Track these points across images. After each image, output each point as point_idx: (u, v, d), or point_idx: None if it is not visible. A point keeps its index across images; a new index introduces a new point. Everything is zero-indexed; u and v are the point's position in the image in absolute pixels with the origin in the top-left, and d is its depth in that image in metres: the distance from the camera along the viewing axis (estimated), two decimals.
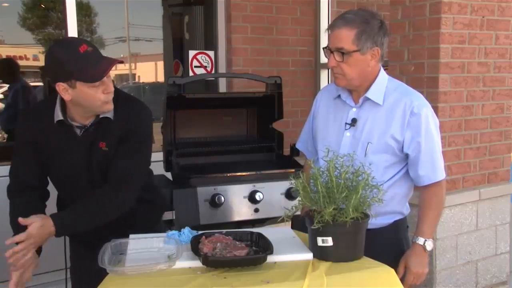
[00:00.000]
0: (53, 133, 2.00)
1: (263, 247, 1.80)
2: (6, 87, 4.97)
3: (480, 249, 3.69)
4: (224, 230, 1.94)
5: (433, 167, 2.06)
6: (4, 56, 4.85)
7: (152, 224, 2.25)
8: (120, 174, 2.00)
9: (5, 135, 4.89)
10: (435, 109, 3.38)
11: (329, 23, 2.14)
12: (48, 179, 2.13)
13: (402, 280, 1.95)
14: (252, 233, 1.91)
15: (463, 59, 3.46)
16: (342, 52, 1.99)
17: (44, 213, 1.99)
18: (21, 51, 5.16)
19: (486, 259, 3.73)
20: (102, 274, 1.68)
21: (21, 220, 1.85)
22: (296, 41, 4.76)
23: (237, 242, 1.85)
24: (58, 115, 1.97)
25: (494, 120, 3.69)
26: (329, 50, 2.03)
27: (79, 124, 2.00)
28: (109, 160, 2.00)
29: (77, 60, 1.81)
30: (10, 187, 2.07)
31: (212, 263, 1.68)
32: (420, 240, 2.05)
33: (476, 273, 3.68)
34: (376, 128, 2.05)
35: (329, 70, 2.20)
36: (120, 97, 2.02)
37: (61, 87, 1.87)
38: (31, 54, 5.26)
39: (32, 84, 5.11)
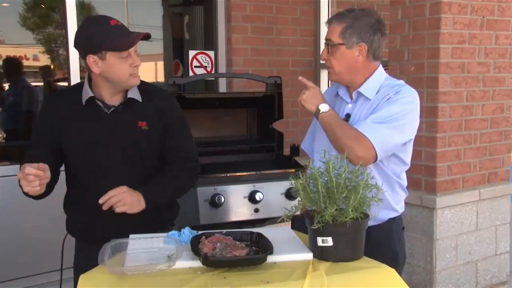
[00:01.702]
0: (81, 115, 2.05)
1: (263, 247, 1.80)
2: (6, 86, 4.97)
3: (480, 249, 3.69)
4: (224, 230, 1.94)
5: (371, 127, 1.97)
6: (4, 56, 4.85)
7: (170, 223, 2.27)
8: (184, 152, 2.19)
9: (5, 135, 4.89)
10: (435, 109, 3.39)
11: None
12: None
13: None
14: (252, 233, 1.91)
15: (463, 59, 3.46)
16: (330, 45, 2.09)
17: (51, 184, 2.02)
18: (21, 51, 5.15)
19: (486, 259, 3.73)
20: None
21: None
22: (296, 41, 4.76)
23: (237, 242, 1.85)
24: (88, 93, 2.04)
25: (494, 120, 3.69)
26: (325, 43, 2.13)
27: (108, 103, 2.06)
28: (149, 139, 2.09)
29: (108, 31, 1.93)
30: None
31: (212, 263, 1.68)
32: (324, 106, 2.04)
33: (476, 273, 3.68)
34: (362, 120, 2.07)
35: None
36: (142, 82, 2.13)
37: (91, 59, 1.96)
38: (31, 54, 5.25)
39: (32, 84, 5.11)
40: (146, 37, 2.02)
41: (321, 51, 2.20)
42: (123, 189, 1.97)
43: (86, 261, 1.86)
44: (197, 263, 1.70)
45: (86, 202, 2.07)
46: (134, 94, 2.09)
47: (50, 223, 3.86)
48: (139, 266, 1.67)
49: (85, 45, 1.97)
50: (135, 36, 1.97)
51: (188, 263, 1.72)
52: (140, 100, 2.09)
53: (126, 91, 2.08)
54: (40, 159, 1.93)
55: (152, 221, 2.08)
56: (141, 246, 1.84)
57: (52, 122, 2.07)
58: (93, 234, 2.09)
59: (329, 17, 2.15)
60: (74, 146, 2.07)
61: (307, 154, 2.42)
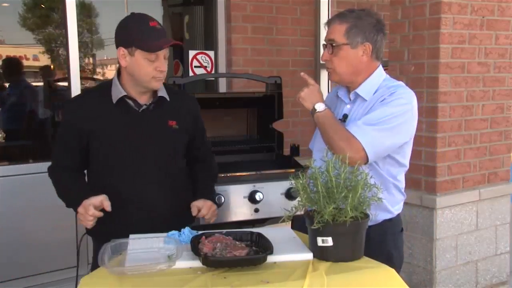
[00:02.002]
0: (112, 113, 2.08)
1: (263, 247, 1.80)
2: (7, 86, 4.96)
3: (480, 249, 3.69)
4: (224, 230, 1.94)
5: (361, 129, 1.97)
6: (4, 56, 4.85)
7: (190, 223, 2.27)
8: (209, 151, 2.41)
9: (5, 135, 4.89)
10: (435, 109, 3.39)
11: None
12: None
13: None
14: (252, 233, 1.91)
15: (463, 59, 3.46)
16: (333, 45, 2.07)
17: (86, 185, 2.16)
18: (21, 51, 5.15)
19: (486, 259, 3.73)
20: None
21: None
22: (296, 41, 4.76)
23: (237, 242, 1.85)
24: (120, 92, 2.07)
25: (494, 120, 3.69)
26: (324, 44, 2.12)
27: (138, 102, 2.11)
28: (179, 138, 2.19)
29: (143, 30, 1.99)
30: (52, 168, 2.17)
31: (212, 263, 1.68)
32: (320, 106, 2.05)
33: (476, 273, 3.68)
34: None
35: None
36: (167, 85, 2.21)
37: (121, 51, 2.02)
38: (31, 54, 5.25)
39: (32, 84, 5.11)
40: (177, 44, 2.09)
41: (321, 51, 2.20)
42: (209, 204, 2.19)
43: None
44: (197, 263, 1.70)
45: (113, 202, 2.06)
46: (163, 93, 2.14)
47: (50, 223, 3.87)
48: (139, 266, 1.67)
49: (120, 37, 2.04)
50: (165, 41, 2.01)
51: (188, 263, 1.72)
52: (168, 99, 2.15)
53: (155, 91, 2.12)
54: (71, 165, 2.10)
55: (174, 222, 2.08)
56: (140, 246, 1.83)
57: (81, 124, 2.08)
58: (115, 234, 2.02)
59: (329, 17, 2.14)
60: (105, 145, 2.09)
61: (312, 155, 2.40)
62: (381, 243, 2.11)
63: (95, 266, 2.18)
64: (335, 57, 2.08)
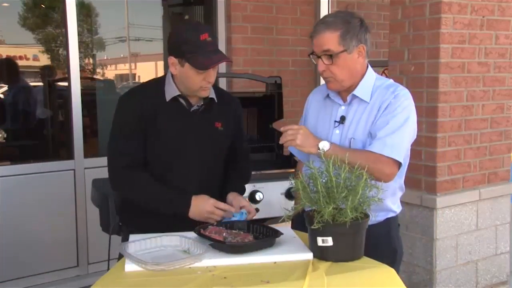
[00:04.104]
0: (166, 110, 2.12)
1: (262, 232, 1.93)
2: (5, 87, 4.97)
3: (480, 249, 3.68)
4: (214, 222, 2.04)
5: (384, 143, 2.00)
6: (4, 56, 4.85)
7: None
8: (247, 154, 2.43)
9: (5, 135, 4.89)
10: (435, 109, 3.39)
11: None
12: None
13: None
14: (242, 221, 2.04)
15: (463, 59, 3.46)
16: (330, 55, 2.03)
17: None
18: (21, 51, 5.16)
19: (486, 259, 3.73)
20: None
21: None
22: (296, 41, 4.76)
23: (235, 231, 1.95)
24: (175, 91, 2.13)
25: (494, 120, 3.69)
26: (315, 55, 2.08)
27: (190, 102, 2.16)
28: (224, 139, 2.24)
29: (194, 45, 2.01)
30: (121, 164, 2.11)
31: (232, 248, 1.78)
32: (324, 144, 1.97)
33: (476, 273, 3.68)
34: (361, 124, 2.08)
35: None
36: (214, 85, 2.21)
37: (172, 60, 2.08)
38: (31, 54, 5.25)
39: (32, 84, 5.11)
40: (227, 60, 2.19)
41: None
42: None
43: None
44: (197, 263, 1.70)
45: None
46: (213, 95, 2.19)
47: (50, 223, 3.87)
48: (177, 261, 1.68)
49: (172, 47, 2.08)
50: (216, 58, 2.04)
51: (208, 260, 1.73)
52: (216, 101, 2.20)
53: None
54: (136, 153, 2.10)
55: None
56: (147, 246, 1.85)
57: (140, 113, 2.10)
58: (151, 227, 2.05)
59: (314, 29, 2.10)
60: (159, 137, 2.13)
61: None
62: (388, 239, 2.16)
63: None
64: (333, 66, 2.05)
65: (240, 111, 2.38)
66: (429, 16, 3.38)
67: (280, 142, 2.03)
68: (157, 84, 2.19)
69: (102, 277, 1.66)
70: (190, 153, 2.16)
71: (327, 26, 2.04)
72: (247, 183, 2.40)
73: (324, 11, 4.90)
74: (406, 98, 2.07)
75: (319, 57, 2.06)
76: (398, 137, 2.01)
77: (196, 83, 2.07)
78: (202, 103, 2.18)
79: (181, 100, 2.15)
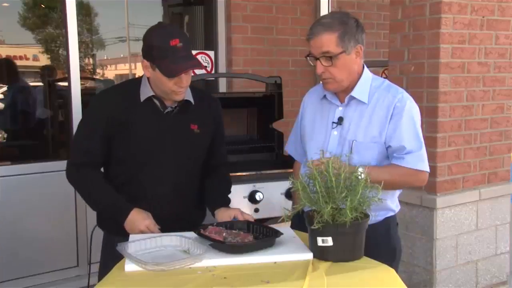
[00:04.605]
0: (139, 110, 2.11)
1: (262, 232, 1.94)
2: (5, 87, 4.97)
3: (480, 249, 3.68)
4: (214, 223, 2.03)
5: (416, 157, 2.08)
6: (4, 56, 4.85)
7: (200, 221, 2.34)
8: (225, 157, 2.38)
9: (5, 135, 4.89)
10: (435, 109, 3.39)
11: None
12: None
13: None
14: (240, 221, 2.06)
15: (463, 59, 3.46)
16: (329, 56, 2.02)
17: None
18: (21, 51, 5.15)
19: (486, 259, 3.73)
20: None
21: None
22: (296, 41, 4.76)
23: (234, 231, 1.96)
24: (149, 91, 2.11)
25: (494, 120, 3.69)
26: (313, 57, 2.07)
27: (165, 103, 2.14)
28: (201, 142, 2.22)
29: (163, 50, 1.99)
30: (78, 160, 2.14)
31: (232, 248, 1.78)
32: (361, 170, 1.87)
33: (476, 273, 3.68)
34: (362, 126, 2.09)
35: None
36: (193, 87, 2.21)
37: (144, 63, 2.07)
38: (31, 54, 5.25)
39: (32, 84, 5.11)
40: (196, 68, 2.13)
41: None
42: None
43: (114, 256, 1.88)
44: (197, 263, 1.70)
45: (127, 195, 2.13)
46: (189, 97, 2.16)
47: (50, 223, 3.87)
48: (178, 261, 1.68)
49: (144, 50, 2.07)
50: (184, 66, 2.01)
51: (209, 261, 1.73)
52: (193, 103, 2.18)
53: None
54: (95, 152, 2.10)
55: (185, 220, 2.15)
56: (147, 246, 1.85)
57: (111, 113, 2.10)
58: (113, 227, 2.12)
59: (311, 30, 2.08)
60: (131, 138, 2.12)
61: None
62: (388, 238, 2.17)
63: (105, 258, 2.26)
64: (332, 67, 2.04)
65: (220, 113, 2.33)
66: (429, 16, 3.38)
67: None
68: (134, 84, 2.18)
69: (105, 277, 1.66)
70: (164, 154, 2.14)
71: (325, 27, 2.03)
72: (230, 191, 2.35)
73: (324, 11, 4.90)
74: (408, 100, 2.10)
75: (317, 59, 2.05)
76: (423, 146, 2.11)
77: (168, 87, 2.05)
78: (176, 105, 2.15)
79: (155, 101, 2.13)
